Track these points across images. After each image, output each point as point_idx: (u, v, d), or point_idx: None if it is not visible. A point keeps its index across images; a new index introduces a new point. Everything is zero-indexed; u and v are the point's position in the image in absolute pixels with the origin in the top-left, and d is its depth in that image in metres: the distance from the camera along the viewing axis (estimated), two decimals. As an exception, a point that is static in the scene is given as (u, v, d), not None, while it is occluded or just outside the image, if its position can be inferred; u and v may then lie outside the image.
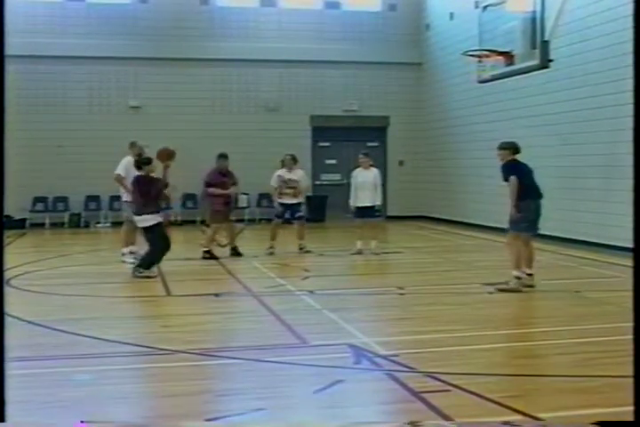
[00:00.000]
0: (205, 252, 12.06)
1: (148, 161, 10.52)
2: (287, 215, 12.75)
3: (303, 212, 12.97)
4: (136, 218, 10.48)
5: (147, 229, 10.34)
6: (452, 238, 15.72)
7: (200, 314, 7.71)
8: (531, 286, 8.87)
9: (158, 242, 10.31)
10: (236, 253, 12.30)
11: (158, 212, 10.40)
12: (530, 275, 8.96)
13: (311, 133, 20.41)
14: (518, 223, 8.93)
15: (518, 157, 9.12)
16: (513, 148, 9.16)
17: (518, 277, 8.76)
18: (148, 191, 10.22)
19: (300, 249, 12.72)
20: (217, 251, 12.20)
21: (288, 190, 12.66)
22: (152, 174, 10.44)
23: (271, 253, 12.48)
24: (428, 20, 20.22)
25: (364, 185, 12.53)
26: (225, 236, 12.67)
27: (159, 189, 10.29)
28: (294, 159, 12.89)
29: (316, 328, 6.74)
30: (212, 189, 12.28)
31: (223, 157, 12.44)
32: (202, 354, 5.81)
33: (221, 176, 12.33)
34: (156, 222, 10.29)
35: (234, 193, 12.45)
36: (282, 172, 12.78)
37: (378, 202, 12.64)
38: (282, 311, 7.54)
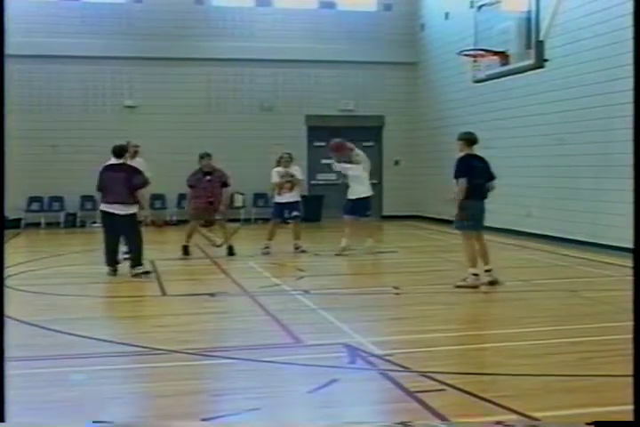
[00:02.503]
0: (183, 247, 12.11)
1: (127, 148, 10.74)
2: (286, 215, 12.74)
3: (300, 211, 12.93)
4: (121, 206, 10.14)
5: (128, 218, 10.16)
6: (447, 238, 15.71)
7: (195, 314, 7.71)
8: (493, 283, 8.96)
9: (137, 233, 10.25)
10: (230, 252, 12.31)
11: (137, 203, 10.30)
12: (488, 271, 9.01)
13: (306, 133, 20.41)
14: (463, 222, 8.97)
15: (476, 148, 9.12)
16: (468, 139, 9.09)
17: (475, 274, 8.89)
18: (131, 180, 10.14)
19: (296, 249, 12.72)
20: (211, 250, 12.20)
21: (287, 184, 12.69)
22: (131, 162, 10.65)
23: (267, 253, 12.47)
24: (424, 19, 20.23)
25: (356, 179, 12.52)
26: (220, 236, 12.68)
27: (143, 180, 10.28)
28: (291, 158, 12.95)
29: (310, 328, 6.74)
30: (190, 192, 12.45)
31: (204, 156, 12.40)
32: (197, 354, 5.82)
33: (203, 176, 12.29)
34: (135, 212, 10.25)
35: (218, 193, 12.39)
36: (279, 169, 12.82)
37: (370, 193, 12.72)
38: (277, 311, 7.54)
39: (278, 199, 12.80)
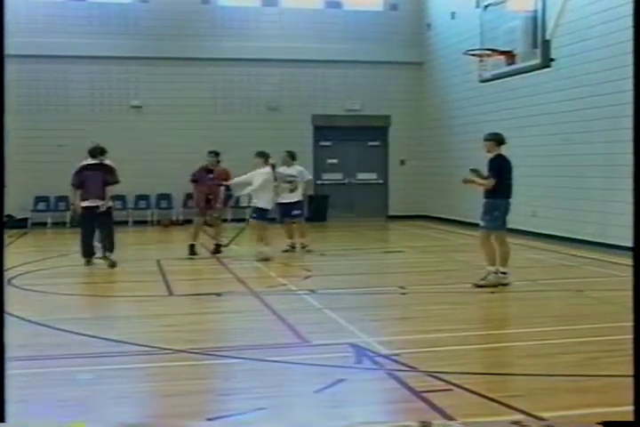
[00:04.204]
0: (190, 245, 12.16)
1: (102, 151, 11.40)
2: (293, 213, 12.71)
3: (301, 210, 12.86)
4: (99, 202, 11.03)
5: (105, 213, 11.04)
6: (454, 238, 15.72)
7: (202, 313, 7.72)
8: (504, 285, 8.99)
9: (112, 225, 11.28)
10: (216, 250, 12.35)
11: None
12: (504, 273, 9.05)
13: (313, 133, 20.40)
14: (495, 221, 9.08)
15: (503, 148, 9.22)
16: (498, 139, 9.22)
17: (495, 272, 8.97)
18: (107, 178, 11.10)
19: (302, 248, 12.70)
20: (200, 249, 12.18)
21: (285, 185, 12.65)
22: (107, 162, 11.45)
23: (288, 251, 12.57)
24: (430, 19, 20.21)
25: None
26: (225, 235, 12.71)
27: (115, 178, 11.23)
28: (291, 156, 12.90)
29: (317, 328, 6.73)
30: (193, 186, 12.63)
31: (210, 153, 12.58)
32: (203, 353, 5.82)
33: (206, 173, 12.38)
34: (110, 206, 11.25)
35: (217, 189, 12.42)
36: (282, 169, 12.82)
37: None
38: (283, 311, 7.53)
39: (280, 200, 12.78)
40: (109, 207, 11.19)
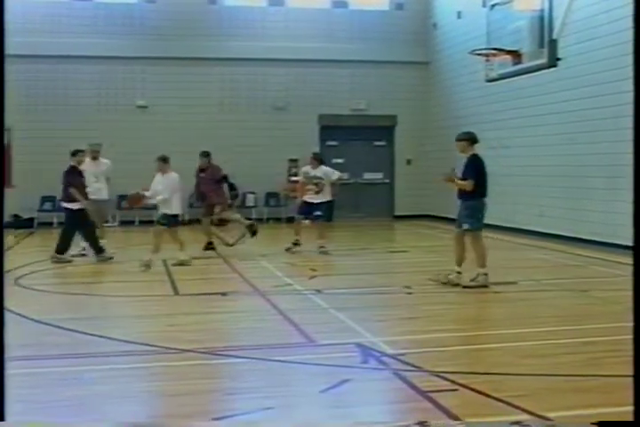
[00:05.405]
0: (207, 243, 12.80)
1: (75, 152, 11.87)
2: (315, 213, 12.76)
3: (323, 212, 12.80)
4: (63, 203, 11.82)
5: (71, 212, 11.68)
6: (460, 237, 15.68)
7: (207, 313, 7.73)
8: (456, 285, 9.00)
9: (76, 226, 11.68)
10: (208, 248, 12.67)
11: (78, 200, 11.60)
12: (459, 273, 9.11)
13: (319, 133, 20.39)
14: (478, 223, 9.06)
15: (476, 147, 9.21)
16: (472, 138, 9.17)
17: (485, 273, 8.92)
18: (70, 181, 11.61)
19: (321, 248, 12.60)
20: (223, 249, 12.21)
21: (311, 186, 12.67)
22: (81, 166, 11.92)
23: (288, 249, 12.55)
24: (436, 18, 20.19)
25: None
26: (231, 235, 12.77)
27: (80, 182, 11.69)
28: (317, 158, 12.92)
29: (323, 327, 6.74)
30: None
31: (202, 154, 12.99)
32: (209, 353, 5.83)
33: (198, 172, 12.92)
34: (78, 208, 11.60)
35: (211, 189, 12.73)
36: (307, 168, 12.86)
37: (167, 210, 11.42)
38: (289, 311, 7.55)
39: (306, 199, 12.74)
40: (67, 209, 11.75)
